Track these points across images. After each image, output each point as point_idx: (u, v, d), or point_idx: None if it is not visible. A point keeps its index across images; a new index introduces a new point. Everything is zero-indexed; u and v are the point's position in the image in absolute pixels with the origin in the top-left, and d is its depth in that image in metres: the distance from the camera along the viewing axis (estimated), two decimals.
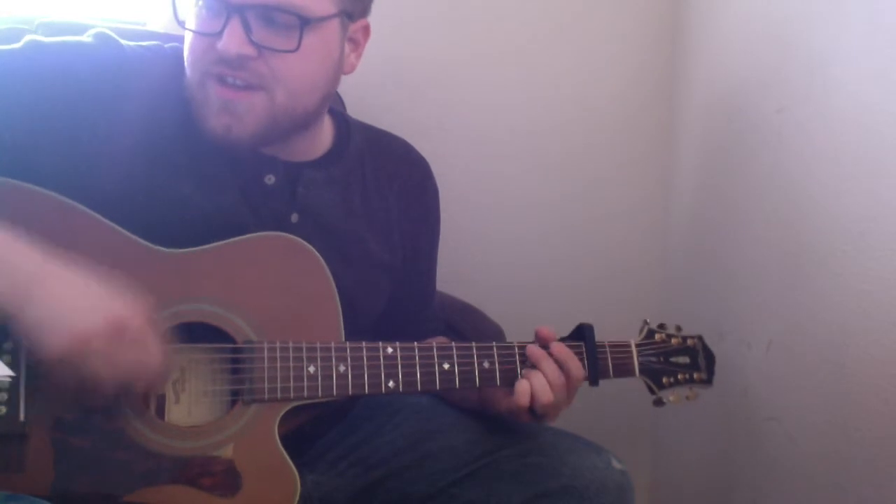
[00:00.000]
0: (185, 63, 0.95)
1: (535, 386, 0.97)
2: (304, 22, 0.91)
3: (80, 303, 0.79)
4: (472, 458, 1.02)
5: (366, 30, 1.02)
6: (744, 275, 1.42)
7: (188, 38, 0.94)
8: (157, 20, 1.45)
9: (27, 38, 0.94)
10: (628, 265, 1.71)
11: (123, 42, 0.97)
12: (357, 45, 1.02)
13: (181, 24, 0.93)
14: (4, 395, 0.81)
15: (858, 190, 1.15)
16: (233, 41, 0.89)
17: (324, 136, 1.08)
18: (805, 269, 1.26)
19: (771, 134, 1.34)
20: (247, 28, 0.89)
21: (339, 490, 1.05)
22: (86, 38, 0.96)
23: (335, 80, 1.00)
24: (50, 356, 0.78)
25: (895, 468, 1.09)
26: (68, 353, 0.77)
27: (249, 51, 0.90)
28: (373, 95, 1.40)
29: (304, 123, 0.99)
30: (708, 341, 1.17)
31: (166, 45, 1.01)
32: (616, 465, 1.01)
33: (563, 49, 1.62)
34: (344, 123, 1.11)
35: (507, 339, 1.39)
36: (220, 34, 0.90)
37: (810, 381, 1.25)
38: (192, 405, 0.90)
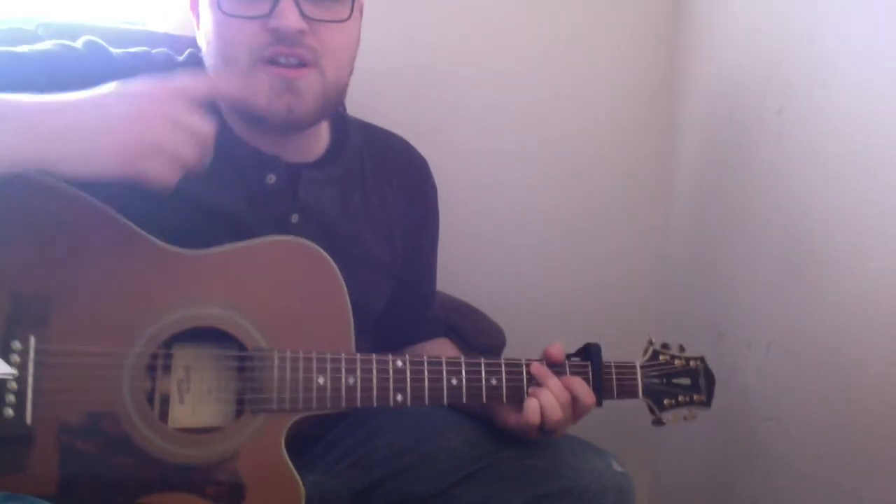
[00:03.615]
0: (222, 57, 0.95)
1: (543, 403, 0.97)
2: None
3: (128, 101, 0.79)
4: (472, 459, 1.02)
5: (361, 9, 1.03)
6: (744, 275, 1.42)
7: (226, 27, 0.94)
8: (158, 20, 1.45)
9: (25, 47, 0.93)
10: (628, 264, 1.71)
11: (112, 50, 0.97)
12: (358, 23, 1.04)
13: (228, 13, 0.92)
14: (12, 398, 0.81)
15: (858, 190, 1.15)
16: (290, 17, 0.90)
17: (321, 135, 1.08)
18: (805, 269, 1.26)
19: (771, 134, 1.34)
20: (297, 2, 0.91)
21: (339, 491, 1.04)
22: (76, 44, 0.96)
23: (356, 55, 1.02)
24: (115, 172, 0.78)
25: (895, 468, 1.09)
26: (132, 164, 0.78)
27: (304, 26, 0.91)
28: (373, 95, 1.39)
29: (340, 100, 1.01)
30: (708, 341, 1.17)
31: (153, 51, 1.01)
32: (617, 467, 1.01)
33: (563, 49, 1.62)
34: (341, 121, 1.11)
35: (508, 340, 1.39)
36: (270, 14, 0.90)
37: (810, 381, 1.25)
38: (195, 406, 0.90)
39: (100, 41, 0.97)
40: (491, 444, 1.03)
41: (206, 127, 0.82)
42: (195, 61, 1.01)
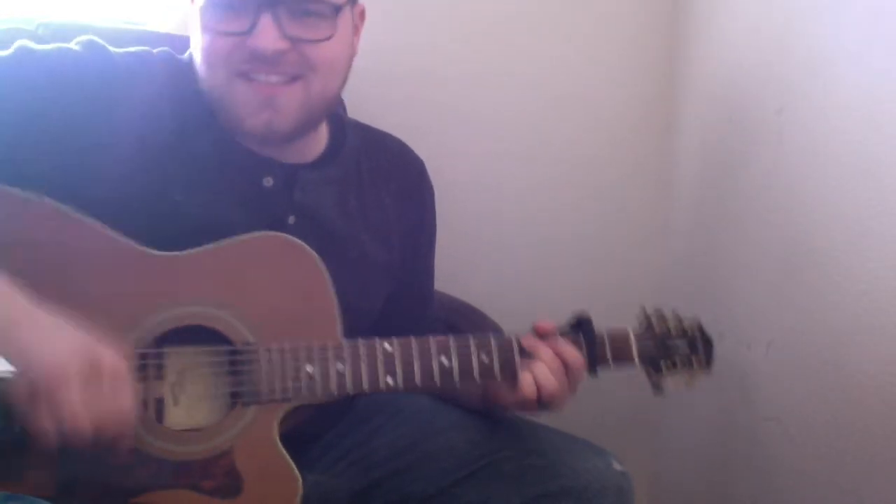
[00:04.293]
0: (204, 65, 0.95)
1: (538, 376, 0.97)
2: (337, 9, 0.93)
3: (59, 344, 0.77)
4: (472, 458, 1.02)
5: (363, 14, 1.04)
6: (744, 275, 1.42)
7: (206, 38, 0.93)
8: (158, 20, 1.45)
9: (18, 43, 0.93)
10: (628, 264, 1.71)
11: (112, 49, 0.97)
12: (357, 29, 1.03)
13: (208, 27, 0.92)
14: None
15: (858, 190, 1.15)
16: (268, 38, 0.90)
17: (319, 137, 1.07)
18: (805, 269, 1.26)
19: (771, 134, 1.34)
20: (278, 22, 0.90)
21: (339, 490, 1.05)
22: (74, 45, 0.96)
23: (351, 64, 1.02)
24: (23, 396, 0.76)
25: (895, 468, 1.09)
26: (45, 391, 0.75)
27: (284, 45, 0.91)
28: (370, 97, 1.40)
29: (330, 109, 1.01)
30: None
31: (154, 50, 1.01)
32: (616, 466, 1.01)
33: (562, 49, 1.62)
34: (339, 123, 1.11)
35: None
36: (250, 32, 0.90)
37: (810, 381, 1.25)
38: (190, 407, 0.90)
39: (98, 40, 0.97)
40: (491, 444, 1.03)
41: (127, 409, 0.80)
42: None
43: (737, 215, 1.45)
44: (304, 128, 0.99)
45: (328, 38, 0.93)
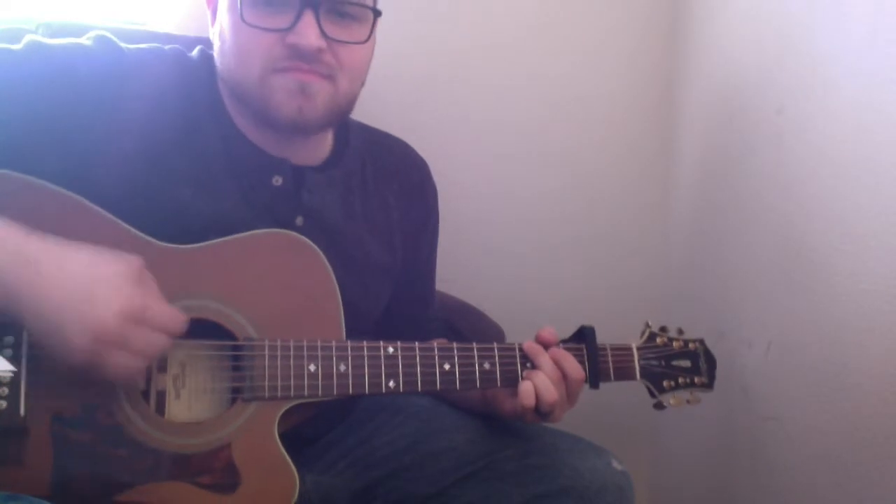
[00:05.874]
0: (236, 61, 0.95)
1: (538, 385, 0.97)
2: (377, 13, 0.97)
3: (94, 294, 0.78)
4: (472, 458, 1.02)
5: None
6: (744, 275, 1.43)
7: (243, 34, 0.94)
8: (158, 20, 1.45)
9: (27, 38, 0.93)
10: (629, 264, 1.71)
11: (123, 45, 0.97)
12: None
13: (249, 23, 0.93)
14: (5, 390, 0.81)
15: (858, 190, 1.15)
16: (310, 35, 0.91)
17: (326, 139, 1.08)
18: (805, 269, 1.26)
19: (771, 134, 1.35)
20: (319, 21, 0.92)
21: (339, 490, 1.05)
22: (85, 40, 0.96)
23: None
24: (74, 363, 0.77)
25: (895, 468, 1.09)
26: (90, 356, 0.77)
27: (323, 44, 0.93)
28: (374, 99, 1.39)
29: (350, 111, 1.03)
30: (708, 341, 1.17)
31: (166, 47, 1.01)
32: (616, 466, 1.01)
33: (562, 50, 1.62)
34: (343, 125, 1.11)
35: (508, 340, 1.39)
36: (290, 29, 0.91)
37: (810, 381, 1.25)
38: (192, 401, 0.90)
39: (110, 36, 0.97)
40: (492, 444, 1.03)
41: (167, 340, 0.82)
42: (206, 58, 1.01)
43: (737, 215, 1.45)
44: (329, 124, 1.00)
45: (362, 42, 0.96)
